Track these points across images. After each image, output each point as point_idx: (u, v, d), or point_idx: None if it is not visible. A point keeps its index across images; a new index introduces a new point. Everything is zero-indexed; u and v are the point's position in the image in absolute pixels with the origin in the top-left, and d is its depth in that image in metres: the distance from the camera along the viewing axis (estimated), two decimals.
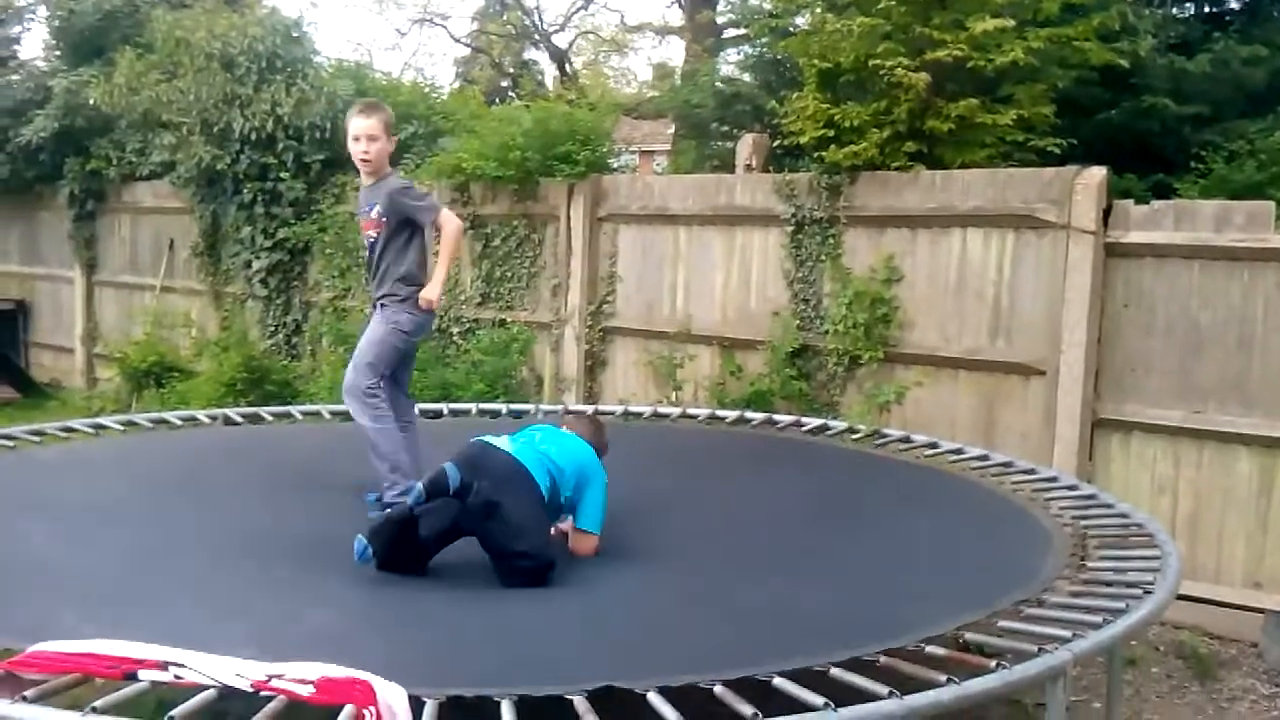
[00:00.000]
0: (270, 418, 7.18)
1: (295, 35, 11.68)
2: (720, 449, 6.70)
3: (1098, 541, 4.52)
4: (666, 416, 7.35)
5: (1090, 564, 4.22)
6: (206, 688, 2.76)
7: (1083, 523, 4.81)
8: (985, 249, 7.04)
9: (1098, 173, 6.63)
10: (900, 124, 7.47)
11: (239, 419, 7.11)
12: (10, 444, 6.14)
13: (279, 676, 2.78)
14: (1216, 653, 5.98)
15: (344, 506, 4.88)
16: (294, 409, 7.48)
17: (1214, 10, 9.86)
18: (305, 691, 2.72)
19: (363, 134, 4.95)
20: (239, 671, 2.80)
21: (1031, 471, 5.76)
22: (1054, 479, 5.61)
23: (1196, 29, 9.25)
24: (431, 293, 4.96)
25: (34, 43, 25.29)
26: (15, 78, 14.43)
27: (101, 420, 7.23)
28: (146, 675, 2.80)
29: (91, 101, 12.38)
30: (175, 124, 11.51)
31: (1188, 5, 9.84)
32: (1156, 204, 6.59)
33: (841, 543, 4.62)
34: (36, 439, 6.38)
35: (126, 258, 13.62)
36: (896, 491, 5.58)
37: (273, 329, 11.41)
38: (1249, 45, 8.56)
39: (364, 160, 5.00)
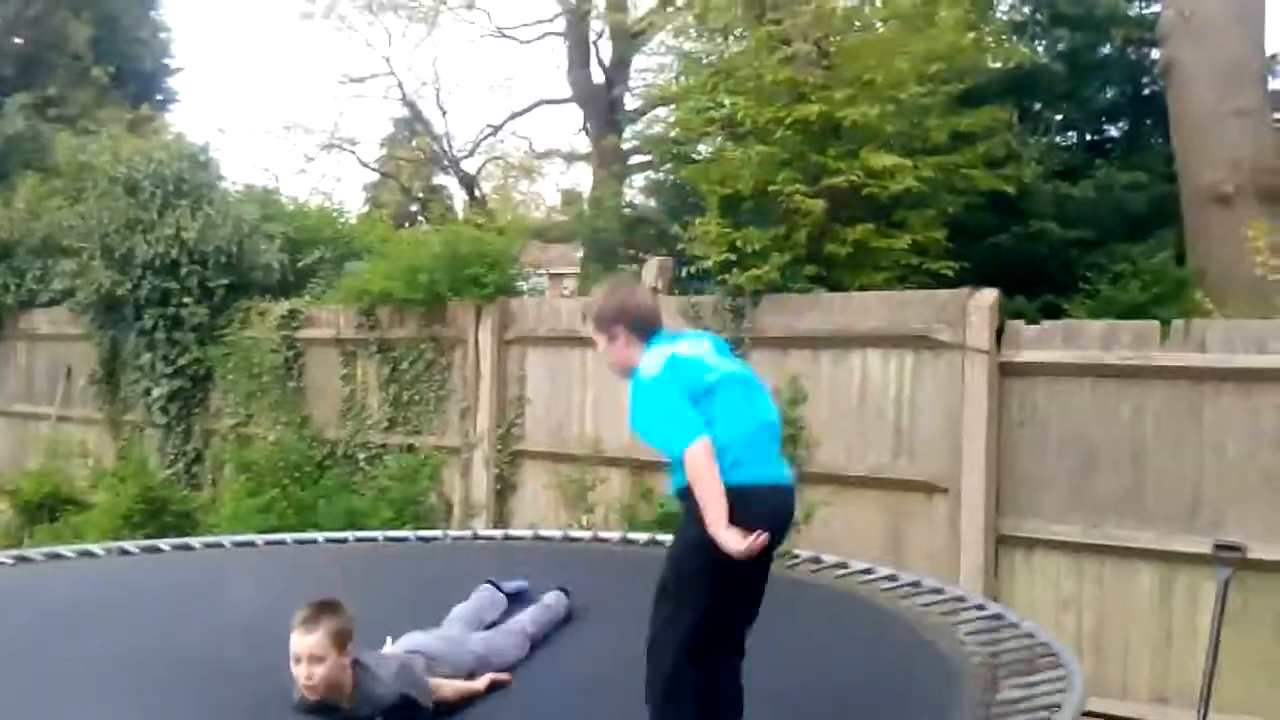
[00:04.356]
0: (168, 549, 6.96)
1: (201, 160, 11.68)
2: (631, 573, 6.62)
3: (1005, 662, 4.55)
4: (578, 540, 7.27)
5: (999, 686, 4.24)
6: None
7: (990, 644, 4.83)
8: (885, 368, 7.18)
9: (989, 294, 6.84)
10: (800, 248, 7.67)
11: (134, 550, 6.88)
12: None
13: None
14: None
15: (245, 640, 4.71)
16: (194, 540, 7.26)
17: (1096, 138, 10.38)
18: None
19: (303, 654, 3.72)
20: None
21: (939, 591, 5.78)
22: (961, 598, 5.64)
23: (1080, 156, 9.72)
24: None
25: None
26: None
27: None
28: None
29: None
30: (76, 250, 11.35)
31: (1070, 134, 10.35)
32: (1046, 324, 6.81)
33: (755, 672, 4.57)
34: None
35: (21, 386, 13.26)
36: (808, 618, 5.54)
37: (172, 458, 11.13)
38: (1130, 172, 9.00)
39: (308, 688, 3.75)
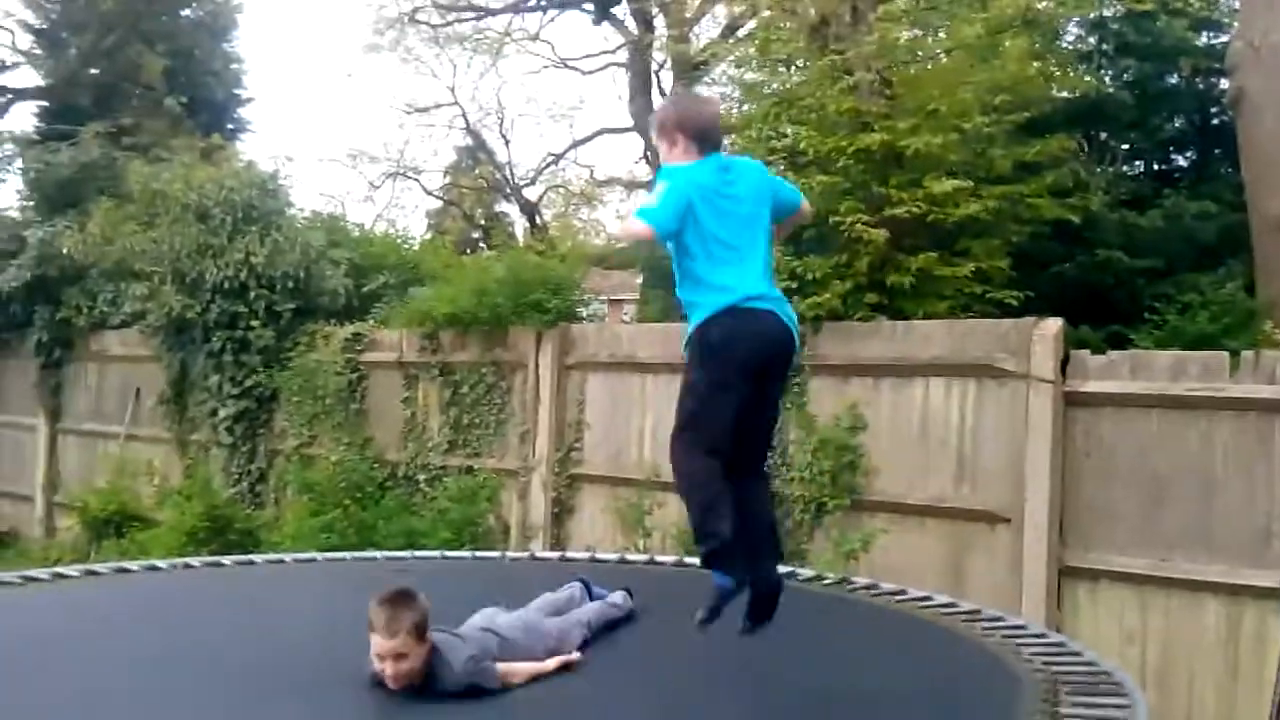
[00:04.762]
0: (231, 564, 7.06)
1: (270, 188, 11.92)
2: (686, 597, 6.61)
3: (1069, 688, 4.48)
4: (633, 564, 7.27)
5: (1061, 710, 4.17)
6: None
7: (1053, 669, 4.76)
8: (947, 397, 7.13)
9: (1054, 324, 6.78)
10: (861, 276, 7.66)
11: (197, 565, 6.99)
12: None
13: None
14: None
15: (306, 647, 4.76)
16: (256, 558, 7.37)
17: (1163, 168, 10.27)
18: None
19: (387, 654, 3.67)
20: None
21: (998, 619, 5.71)
22: (1021, 626, 5.56)
23: (1147, 186, 9.62)
24: None
25: (8, 193, 25.57)
26: None
27: (60, 569, 7.09)
28: None
29: (65, 251, 12.50)
30: (147, 274, 11.62)
31: (1138, 163, 10.24)
32: (1113, 354, 6.73)
33: (813, 691, 4.55)
34: None
35: (92, 405, 13.55)
36: (865, 637, 5.51)
37: (237, 477, 11.31)
38: (1198, 201, 8.89)
39: (392, 680, 3.71)
